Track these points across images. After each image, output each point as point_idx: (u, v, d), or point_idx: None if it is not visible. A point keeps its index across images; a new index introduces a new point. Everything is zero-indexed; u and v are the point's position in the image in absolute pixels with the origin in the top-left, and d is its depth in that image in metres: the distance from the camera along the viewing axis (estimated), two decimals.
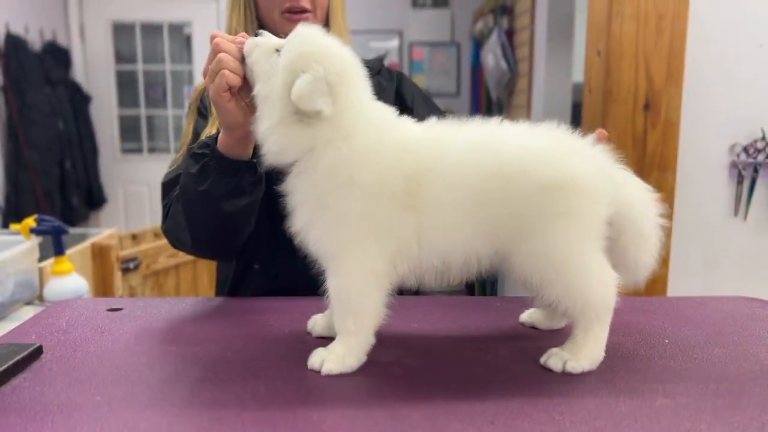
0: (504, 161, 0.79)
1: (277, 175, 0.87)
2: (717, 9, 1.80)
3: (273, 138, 0.83)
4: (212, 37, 0.93)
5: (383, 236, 0.80)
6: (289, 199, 0.85)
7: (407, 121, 0.87)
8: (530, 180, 0.78)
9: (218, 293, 1.40)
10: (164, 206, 1.21)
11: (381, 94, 0.90)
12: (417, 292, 1.29)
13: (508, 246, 0.81)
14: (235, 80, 0.91)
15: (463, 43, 5.08)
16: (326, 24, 1.29)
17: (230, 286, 1.31)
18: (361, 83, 0.85)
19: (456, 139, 0.82)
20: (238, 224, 1.10)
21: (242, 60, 0.91)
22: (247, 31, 1.25)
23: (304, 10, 1.24)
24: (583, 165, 0.80)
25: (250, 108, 0.91)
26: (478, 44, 4.54)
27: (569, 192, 0.79)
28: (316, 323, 0.95)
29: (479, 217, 0.80)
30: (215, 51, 0.91)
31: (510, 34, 3.87)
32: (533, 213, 0.79)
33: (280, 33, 1.25)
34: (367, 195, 0.78)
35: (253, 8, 1.28)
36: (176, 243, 1.19)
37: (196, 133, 1.27)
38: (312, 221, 0.82)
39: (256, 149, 1.01)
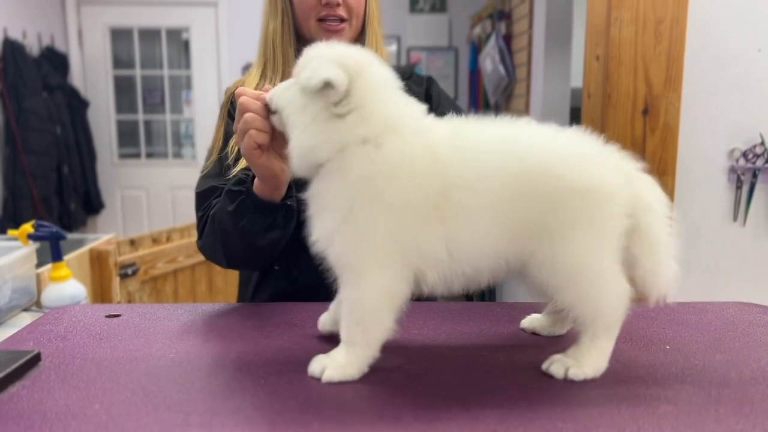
0: (530, 163, 0.78)
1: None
2: (715, 14, 1.80)
3: (305, 136, 0.81)
4: (237, 95, 0.94)
5: (408, 254, 0.79)
6: (312, 203, 0.84)
7: (435, 122, 0.85)
8: (556, 183, 0.77)
9: (241, 294, 1.41)
10: (199, 219, 1.23)
11: (411, 97, 0.89)
12: (417, 299, 1.29)
13: (530, 248, 0.80)
14: (263, 138, 0.92)
15: (461, 47, 5.08)
16: (362, 33, 1.31)
17: (254, 287, 1.33)
18: (388, 80, 0.84)
19: (481, 143, 0.81)
20: (272, 253, 1.17)
21: (268, 113, 0.91)
22: (283, 40, 1.28)
23: (341, 19, 1.25)
24: (608, 172, 0.80)
25: (283, 157, 0.94)
26: (476, 49, 4.55)
27: (593, 198, 0.78)
28: (325, 322, 0.95)
29: (506, 220, 0.78)
30: (241, 111, 0.93)
31: (508, 39, 3.88)
32: (557, 216, 0.78)
33: (316, 41, 1.26)
34: (396, 213, 0.77)
35: (290, 15, 1.28)
36: (211, 260, 1.23)
37: (227, 137, 1.28)
38: (335, 232, 0.79)
39: (290, 188, 1.06)
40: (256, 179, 1.05)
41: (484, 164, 0.79)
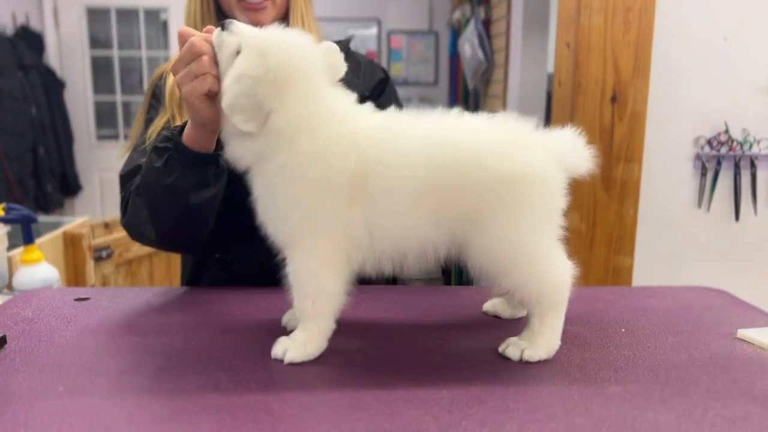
0: (460, 154, 0.81)
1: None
2: (683, 3, 1.82)
3: (229, 147, 0.88)
4: (183, 35, 0.90)
5: (332, 228, 0.82)
6: (252, 190, 0.88)
7: (364, 111, 0.87)
8: (487, 172, 0.80)
9: (183, 282, 1.39)
10: (122, 199, 1.18)
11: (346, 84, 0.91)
12: (393, 281, 1.30)
13: (465, 235, 0.83)
14: (217, 86, 0.89)
15: (441, 31, 5.08)
16: (286, 14, 1.28)
17: (189, 276, 1.31)
18: (313, 76, 0.85)
19: (408, 131, 0.83)
20: (204, 216, 1.09)
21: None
22: (205, 20, 1.25)
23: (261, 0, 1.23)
24: (540, 156, 0.82)
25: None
26: (455, 33, 4.54)
27: (526, 184, 0.81)
28: (289, 319, 0.96)
29: (433, 207, 0.81)
30: (193, 52, 0.88)
31: (487, 23, 3.88)
32: (490, 204, 0.81)
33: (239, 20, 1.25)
34: (313, 190, 0.81)
35: None
36: (138, 237, 1.16)
37: (149, 121, 1.25)
38: (268, 215, 0.86)
39: (219, 140, 1.01)
40: (188, 128, 1.00)
41: (403, 149, 0.81)
